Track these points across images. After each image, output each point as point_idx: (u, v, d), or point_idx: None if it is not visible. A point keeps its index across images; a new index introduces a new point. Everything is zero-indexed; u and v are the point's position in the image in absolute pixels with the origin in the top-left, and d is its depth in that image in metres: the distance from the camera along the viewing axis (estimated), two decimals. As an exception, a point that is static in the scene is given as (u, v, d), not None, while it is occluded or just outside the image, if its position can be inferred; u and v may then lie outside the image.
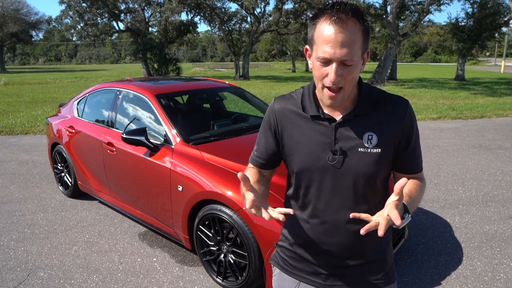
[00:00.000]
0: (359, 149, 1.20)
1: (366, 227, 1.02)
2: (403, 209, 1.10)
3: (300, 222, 1.32)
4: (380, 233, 0.99)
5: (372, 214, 1.09)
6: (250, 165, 1.44)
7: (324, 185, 1.24)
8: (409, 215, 1.11)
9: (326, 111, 1.24)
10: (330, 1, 1.13)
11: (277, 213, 1.10)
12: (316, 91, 1.26)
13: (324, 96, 1.16)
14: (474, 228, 3.71)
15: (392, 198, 1.02)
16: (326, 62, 1.10)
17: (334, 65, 1.09)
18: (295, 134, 1.28)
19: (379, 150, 1.20)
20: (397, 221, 0.97)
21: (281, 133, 1.32)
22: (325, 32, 1.07)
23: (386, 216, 1.02)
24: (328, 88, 1.13)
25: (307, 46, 1.20)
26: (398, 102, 1.24)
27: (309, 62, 1.19)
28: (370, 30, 1.12)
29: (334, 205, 1.24)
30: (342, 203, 1.24)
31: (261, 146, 1.38)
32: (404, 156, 1.25)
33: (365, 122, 1.21)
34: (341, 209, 1.24)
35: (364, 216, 1.06)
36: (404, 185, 0.99)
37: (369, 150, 1.19)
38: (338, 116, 1.23)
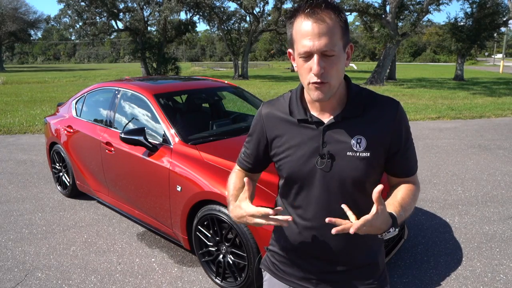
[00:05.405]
0: (348, 152, 1.17)
1: (339, 228, 1.00)
2: (391, 222, 1.05)
3: (290, 226, 1.30)
4: (351, 230, 0.97)
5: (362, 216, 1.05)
6: (236, 167, 1.47)
7: (313, 189, 1.22)
8: (396, 229, 1.06)
9: (314, 113, 1.22)
10: None
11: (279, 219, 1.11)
12: (304, 92, 1.24)
13: (311, 91, 1.13)
14: (473, 229, 3.70)
15: (374, 209, 0.99)
16: (308, 56, 1.09)
17: (315, 57, 1.07)
18: (283, 140, 1.26)
19: (368, 154, 1.17)
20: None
21: (269, 138, 1.30)
22: (302, 26, 1.08)
23: (366, 218, 0.98)
24: (314, 83, 1.11)
25: (289, 50, 1.19)
26: (388, 104, 1.20)
27: (294, 64, 1.18)
28: (347, 23, 1.12)
29: (323, 209, 1.22)
30: (331, 207, 1.21)
31: (249, 150, 1.40)
32: (396, 159, 1.22)
33: (354, 125, 1.18)
34: (330, 213, 1.19)
35: (339, 220, 1.02)
36: (380, 190, 0.97)
37: (357, 154, 1.17)
38: (326, 119, 1.20)
